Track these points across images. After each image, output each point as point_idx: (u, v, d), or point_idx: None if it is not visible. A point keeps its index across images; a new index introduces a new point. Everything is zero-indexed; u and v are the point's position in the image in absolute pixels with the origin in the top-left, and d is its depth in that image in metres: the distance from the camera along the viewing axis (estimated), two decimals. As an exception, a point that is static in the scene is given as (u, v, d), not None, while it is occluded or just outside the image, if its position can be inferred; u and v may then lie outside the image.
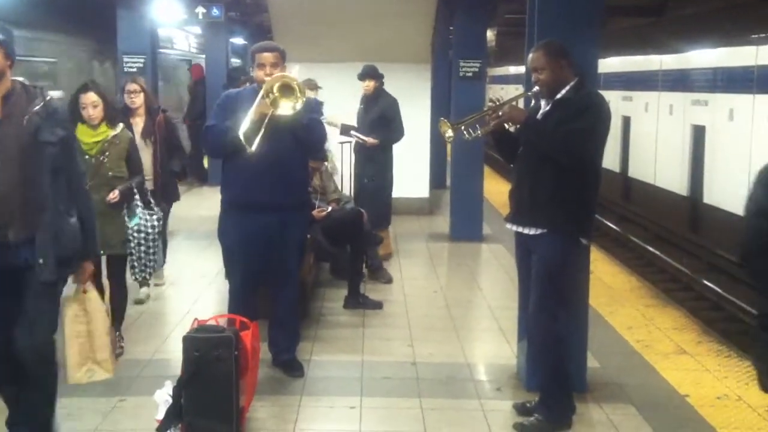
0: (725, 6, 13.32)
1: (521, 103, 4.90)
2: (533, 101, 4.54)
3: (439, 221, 10.35)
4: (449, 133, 4.43)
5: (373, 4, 9.69)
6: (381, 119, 7.74)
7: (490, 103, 4.41)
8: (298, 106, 4.47)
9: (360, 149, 7.88)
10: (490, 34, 18.59)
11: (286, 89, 4.47)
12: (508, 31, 19.25)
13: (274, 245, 4.87)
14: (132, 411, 4.49)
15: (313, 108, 4.86)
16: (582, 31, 4.68)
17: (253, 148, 4.49)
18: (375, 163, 7.76)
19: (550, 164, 4.16)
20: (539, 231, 4.25)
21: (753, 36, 12.36)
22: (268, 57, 4.73)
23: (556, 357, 4.30)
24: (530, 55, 4.33)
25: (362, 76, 7.80)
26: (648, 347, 5.67)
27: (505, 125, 4.37)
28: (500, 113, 4.29)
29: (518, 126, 4.33)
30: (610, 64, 18.43)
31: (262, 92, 4.51)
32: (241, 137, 4.48)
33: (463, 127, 4.39)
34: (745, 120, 12.47)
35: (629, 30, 17.74)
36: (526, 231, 4.32)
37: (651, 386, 4.97)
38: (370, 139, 7.69)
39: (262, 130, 4.49)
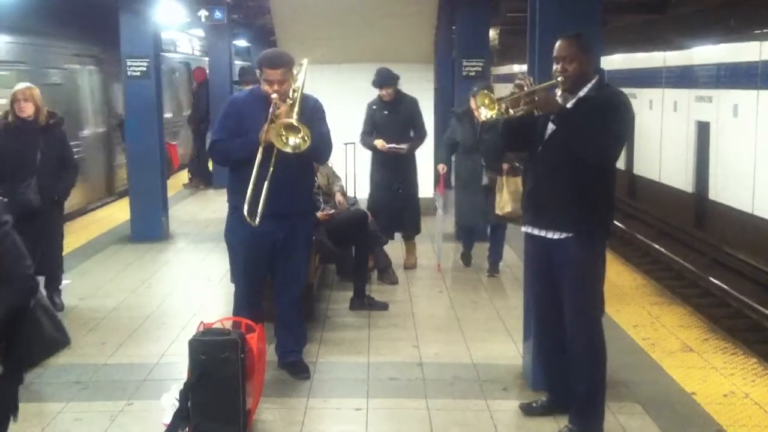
0: (729, 1, 13.30)
1: None
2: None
3: (444, 221, 10.31)
4: (487, 112, 4.05)
5: (375, 5, 9.70)
6: (410, 122, 7.63)
7: (519, 81, 4.08)
8: (304, 147, 4.48)
9: (388, 157, 7.58)
10: (492, 33, 18.56)
11: (290, 128, 4.50)
12: (511, 29, 19.22)
13: (279, 247, 4.88)
14: (139, 414, 4.51)
15: (318, 109, 4.86)
16: (583, 28, 4.63)
17: (257, 221, 4.57)
18: (405, 170, 7.66)
19: (569, 165, 3.98)
20: (563, 235, 4.08)
21: (757, 31, 12.35)
22: (275, 74, 4.66)
23: (602, 364, 4.17)
24: (559, 42, 4.09)
25: (380, 84, 7.49)
26: (654, 345, 5.66)
27: (534, 111, 4.07)
28: (536, 98, 4.01)
29: (546, 115, 4.03)
30: (613, 61, 18.41)
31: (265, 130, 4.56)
32: (245, 212, 4.57)
33: (497, 106, 4.05)
34: (750, 116, 12.45)
35: (633, 27, 17.71)
36: (548, 235, 4.14)
37: (657, 384, 4.96)
38: (404, 146, 7.57)
39: (262, 201, 4.56)
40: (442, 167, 7.75)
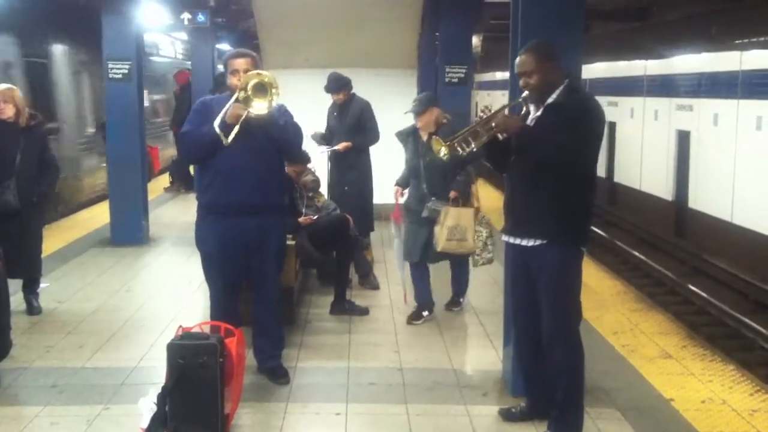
0: (710, 11, 13.41)
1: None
2: (524, 108, 4.27)
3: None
4: (444, 151, 4.14)
5: (359, 10, 9.71)
6: (357, 124, 7.64)
7: (481, 114, 4.25)
8: (268, 106, 4.50)
9: (337, 157, 7.71)
10: (475, 40, 18.64)
11: (260, 88, 4.50)
12: (494, 36, 19.32)
13: (252, 250, 4.86)
14: (116, 419, 4.47)
15: (286, 113, 4.88)
16: (565, 36, 4.65)
17: (229, 139, 4.53)
18: (355, 170, 7.68)
19: (544, 173, 4.00)
20: (537, 242, 4.09)
21: (737, 41, 12.46)
22: (241, 63, 4.75)
23: (580, 371, 4.18)
24: (518, 59, 4.12)
25: (333, 90, 7.59)
26: (633, 351, 5.68)
27: (498, 135, 4.11)
28: (493, 124, 4.04)
29: (511, 135, 4.10)
30: (595, 70, 18.51)
31: (236, 93, 4.56)
32: (217, 129, 4.55)
33: (456, 143, 4.12)
34: (730, 125, 12.56)
35: (614, 35, 17.83)
36: (523, 243, 4.15)
37: (636, 390, 4.98)
38: (341, 145, 7.61)
39: (237, 126, 4.55)
40: (396, 190, 6.63)
